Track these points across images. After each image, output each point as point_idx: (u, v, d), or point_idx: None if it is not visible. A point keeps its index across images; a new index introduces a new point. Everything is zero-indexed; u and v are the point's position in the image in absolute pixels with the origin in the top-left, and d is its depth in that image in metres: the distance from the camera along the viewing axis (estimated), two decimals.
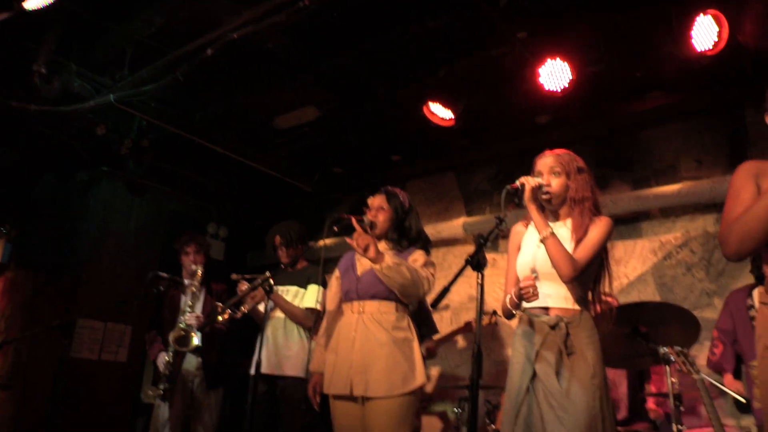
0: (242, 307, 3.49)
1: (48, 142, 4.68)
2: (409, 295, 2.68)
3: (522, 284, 2.19)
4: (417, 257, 2.79)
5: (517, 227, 2.50)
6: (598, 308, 2.34)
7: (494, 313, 4.18)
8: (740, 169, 1.88)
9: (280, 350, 3.69)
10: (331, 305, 2.98)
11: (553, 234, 2.21)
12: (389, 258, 2.59)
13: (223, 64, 3.71)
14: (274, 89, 4.25)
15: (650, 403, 3.46)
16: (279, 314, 3.75)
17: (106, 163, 4.92)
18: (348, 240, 2.59)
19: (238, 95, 4.37)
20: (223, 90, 4.37)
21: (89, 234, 4.84)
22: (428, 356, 3.89)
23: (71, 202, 5.04)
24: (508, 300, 2.34)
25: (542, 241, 2.22)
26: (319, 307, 3.69)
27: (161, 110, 4.37)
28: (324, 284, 3.79)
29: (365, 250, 2.56)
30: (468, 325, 4.21)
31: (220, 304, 3.48)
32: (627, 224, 4.33)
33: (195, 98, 4.44)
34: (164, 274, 4.04)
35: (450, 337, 4.06)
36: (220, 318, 3.40)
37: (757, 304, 3.18)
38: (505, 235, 4.67)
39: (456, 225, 4.92)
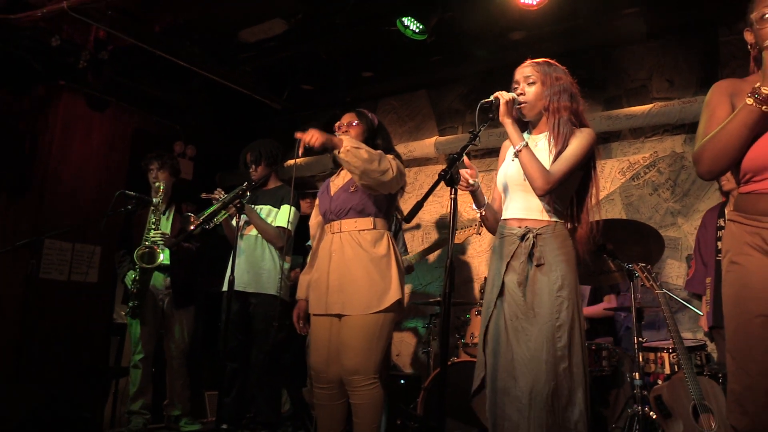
0: (215, 219, 3.45)
1: None
2: (374, 180, 2.58)
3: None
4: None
5: (506, 143, 2.44)
6: (582, 221, 2.29)
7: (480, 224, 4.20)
8: (716, 87, 1.86)
9: (252, 268, 3.70)
10: (313, 230, 2.97)
11: (526, 146, 2.16)
12: (348, 141, 2.50)
13: None
14: None
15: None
16: (251, 232, 3.74)
17: (63, 77, 4.68)
18: (300, 134, 2.43)
19: (200, 4, 4.14)
20: None
21: (50, 152, 4.67)
22: (406, 271, 3.95)
23: (29, 119, 4.83)
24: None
25: (516, 154, 2.18)
26: (290, 227, 3.68)
27: (119, 19, 4.12)
28: (297, 204, 3.77)
29: (316, 138, 2.42)
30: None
31: (193, 215, 3.43)
32: (598, 144, 4.34)
33: (155, 7, 4.20)
34: (132, 193, 3.96)
35: (428, 252, 4.12)
36: (191, 227, 3.36)
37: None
38: (477, 154, 4.69)
39: (428, 144, 4.88)
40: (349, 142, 2.51)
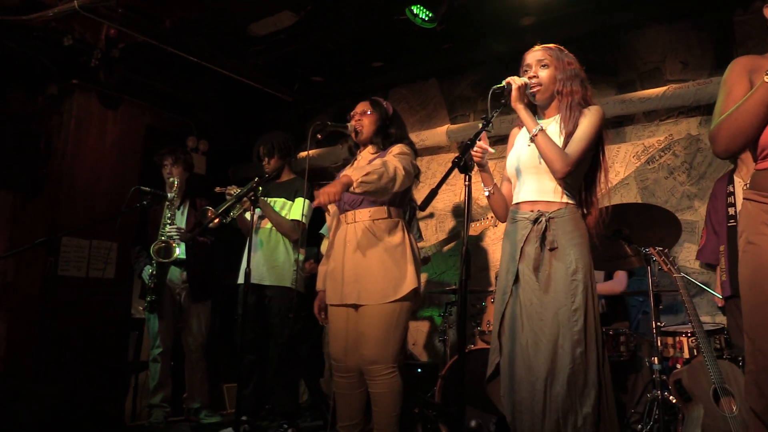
0: (231, 213, 3.47)
1: (12, 55, 4.45)
2: (391, 190, 2.59)
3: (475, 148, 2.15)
4: (394, 149, 2.73)
5: (514, 131, 2.47)
6: (593, 207, 2.29)
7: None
8: (735, 64, 1.83)
9: (268, 261, 3.72)
10: (329, 221, 2.97)
11: (542, 130, 2.16)
12: (355, 174, 2.49)
13: None
14: None
15: None
16: (266, 225, 3.75)
17: (75, 76, 4.72)
18: (317, 202, 2.44)
19: None
20: None
21: (64, 150, 4.71)
22: (423, 262, 3.96)
23: (43, 118, 4.87)
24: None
25: (532, 138, 2.17)
26: (304, 220, 3.69)
27: (129, 17, 4.14)
28: (311, 197, 3.77)
29: (333, 195, 2.42)
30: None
31: (210, 209, 3.45)
32: (611, 129, 4.31)
33: (164, 4, 4.21)
34: (147, 189, 3.99)
35: (445, 243, 4.13)
36: (210, 225, 3.39)
37: (737, 190, 3.24)
38: (489, 141, 4.66)
39: (440, 132, 4.86)
40: (354, 174, 2.48)
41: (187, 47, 4.56)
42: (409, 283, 2.63)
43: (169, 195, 3.97)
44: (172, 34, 4.43)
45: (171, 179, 4.00)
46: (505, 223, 2.39)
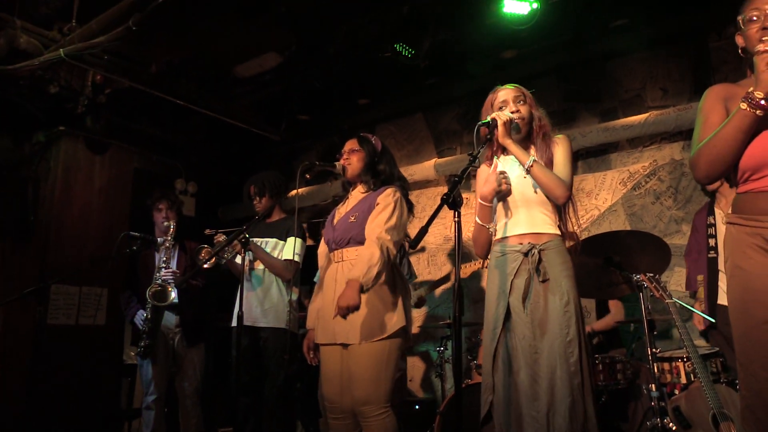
0: (226, 255, 3.46)
1: None
2: (392, 259, 2.65)
3: (492, 177, 2.22)
4: (383, 197, 2.71)
5: (483, 168, 2.48)
6: (566, 235, 2.33)
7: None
8: (709, 92, 1.87)
9: (260, 302, 3.68)
10: (321, 260, 2.95)
11: (536, 161, 2.23)
12: (360, 275, 2.49)
13: (178, 9, 3.53)
14: (233, 33, 4.09)
15: None
16: (258, 266, 3.73)
17: (62, 123, 4.73)
18: (340, 313, 2.46)
19: (195, 43, 4.20)
20: (179, 38, 4.20)
21: (53, 196, 4.70)
22: (418, 305, 3.94)
23: (31, 165, 4.87)
24: (477, 216, 2.37)
25: (529, 169, 2.23)
26: (297, 259, 3.67)
27: (115, 63, 4.18)
28: (302, 235, 3.76)
29: (354, 306, 2.43)
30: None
31: (206, 247, 3.42)
32: (596, 156, 4.37)
33: (150, 49, 4.26)
34: (136, 234, 3.97)
35: (438, 284, 4.14)
36: (205, 266, 3.36)
37: (717, 222, 3.29)
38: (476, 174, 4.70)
39: (427, 166, 4.90)
40: (361, 276, 2.48)
41: (173, 91, 4.60)
42: (397, 321, 2.60)
43: (160, 240, 3.95)
44: (159, 79, 4.47)
45: (166, 223, 3.98)
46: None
